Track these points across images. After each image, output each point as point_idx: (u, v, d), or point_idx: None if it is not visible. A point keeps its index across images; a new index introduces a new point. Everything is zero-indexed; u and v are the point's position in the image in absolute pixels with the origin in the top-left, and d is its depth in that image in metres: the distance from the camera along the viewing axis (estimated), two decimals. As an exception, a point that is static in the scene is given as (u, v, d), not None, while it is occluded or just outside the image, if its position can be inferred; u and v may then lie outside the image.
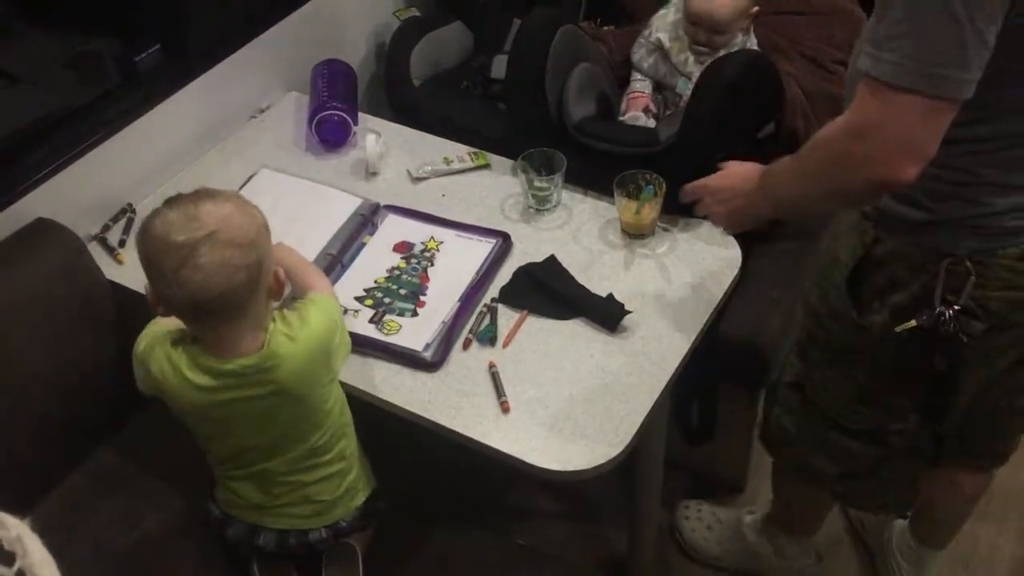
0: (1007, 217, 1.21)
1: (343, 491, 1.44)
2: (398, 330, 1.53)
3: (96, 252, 1.71)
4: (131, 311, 1.69)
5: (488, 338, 1.52)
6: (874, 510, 1.70)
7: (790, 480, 1.76)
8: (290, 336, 1.29)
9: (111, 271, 1.69)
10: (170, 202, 1.24)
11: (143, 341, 1.36)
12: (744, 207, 1.42)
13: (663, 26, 1.97)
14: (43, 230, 1.64)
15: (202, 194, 1.24)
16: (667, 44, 1.95)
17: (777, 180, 1.32)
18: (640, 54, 1.99)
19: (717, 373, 1.81)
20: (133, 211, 1.81)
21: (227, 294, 1.21)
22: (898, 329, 1.29)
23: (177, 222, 1.19)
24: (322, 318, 1.33)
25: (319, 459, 1.39)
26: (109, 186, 1.79)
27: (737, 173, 1.45)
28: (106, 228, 1.77)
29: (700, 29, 1.87)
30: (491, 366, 1.48)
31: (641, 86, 1.99)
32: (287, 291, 1.35)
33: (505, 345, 1.51)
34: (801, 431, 1.57)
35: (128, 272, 1.68)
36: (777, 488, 1.85)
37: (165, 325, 1.35)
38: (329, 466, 1.41)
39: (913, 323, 1.27)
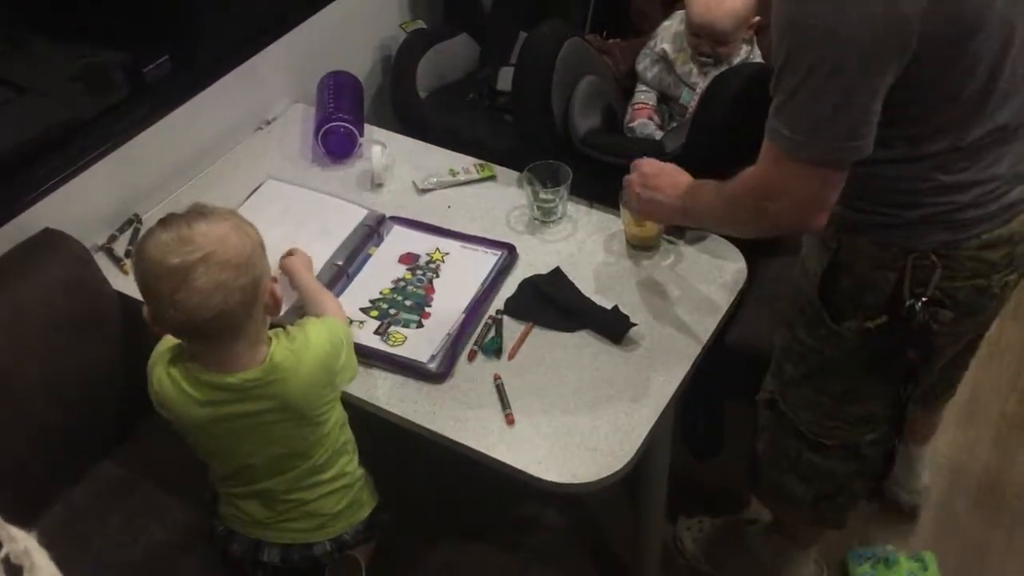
0: (969, 211, 1.25)
1: (345, 504, 1.44)
2: (403, 341, 1.53)
3: (102, 262, 1.71)
4: (137, 322, 1.68)
5: (493, 350, 1.52)
6: (844, 524, 1.72)
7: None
8: (293, 351, 1.29)
9: (117, 281, 1.69)
10: (164, 223, 1.22)
11: (154, 354, 1.36)
12: (657, 209, 1.50)
13: (667, 37, 1.97)
14: (50, 240, 1.64)
15: (195, 214, 1.22)
16: (672, 55, 1.95)
17: (698, 206, 1.40)
18: (645, 64, 2.00)
19: (723, 387, 1.81)
20: (140, 221, 1.81)
21: (224, 315, 1.20)
22: (870, 325, 1.32)
23: (171, 244, 1.18)
24: (325, 335, 1.33)
25: (319, 476, 1.39)
26: (116, 197, 1.80)
27: (668, 178, 1.48)
28: (112, 238, 1.78)
29: (703, 40, 1.87)
30: (496, 378, 1.47)
31: (645, 97, 2.00)
32: (285, 308, 1.34)
33: (511, 357, 1.51)
34: (775, 450, 1.59)
35: (134, 283, 1.68)
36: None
37: (170, 341, 1.35)
38: (331, 483, 1.41)
39: (885, 318, 1.31)
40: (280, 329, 1.34)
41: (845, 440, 1.50)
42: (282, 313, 1.42)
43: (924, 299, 1.27)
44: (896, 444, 1.53)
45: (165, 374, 1.31)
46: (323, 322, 1.36)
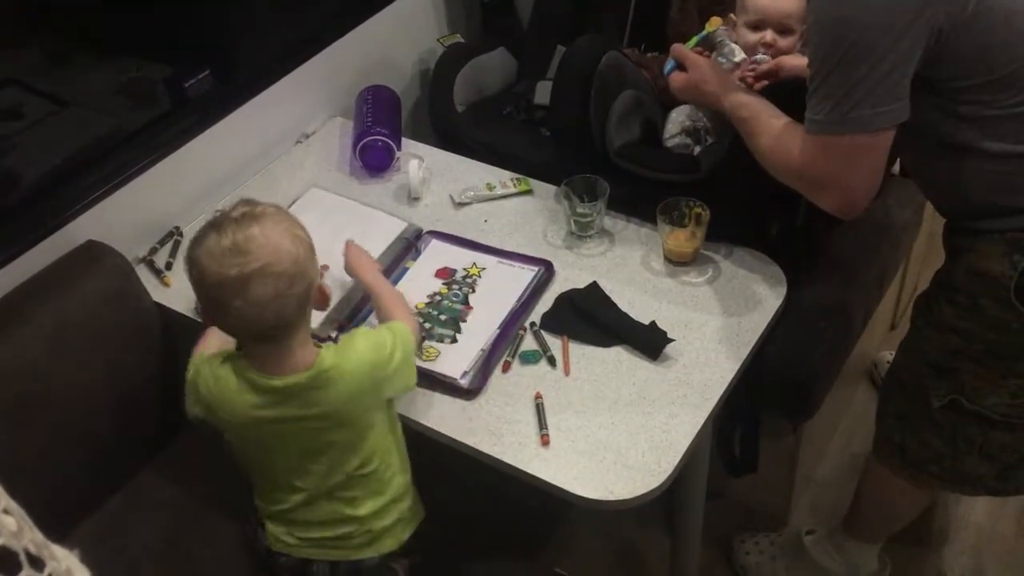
0: None
1: (393, 520, 1.42)
2: (436, 356, 1.53)
3: (143, 274, 1.73)
4: (177, 334, 1.71)
5: (535, 361, 1.51)
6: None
7: (894, 488, 1.70)
8: (340, 358, 1.29)
9: (158, 294, 1.71)
10: (216, 227, 1.21)
11: (191, 368, 1.37)
12: (693, 97, 1.66)
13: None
14: (92, 252, 1.66)
15: (248, 218, 1.21)
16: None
17: (747, 123, 1.49)
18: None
19: (760, 403, 1.79)
20: (180, 234, 1.83)
21: (281, 321, 1.22)
22: None
23: (227, 254, 1.18)
24: (371, 344, 1.32)
25: (365, 490, 1.38)
26: (157, 209, 1.82)
27: (706, 76, 1.60)
28: (153, 251, 1.80)
29: (764, 32, 1.72)
30: (537, 397, 1.46)
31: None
32: (332, 304, 1.33)
33: (567, 372, 1.50)
34: (954, 443, 1.54)
35: (174, 295, 1.70)
36: (865, 496, 1.80)
37: (211, 348, 1.36)
38: (378, 498, 1.39)
39: None
40: (332, 343, 1.33)
41: None
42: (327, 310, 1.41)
43: None
44: None
45: (212, 377, 1.31)
46: (376, 331, 1.36)
